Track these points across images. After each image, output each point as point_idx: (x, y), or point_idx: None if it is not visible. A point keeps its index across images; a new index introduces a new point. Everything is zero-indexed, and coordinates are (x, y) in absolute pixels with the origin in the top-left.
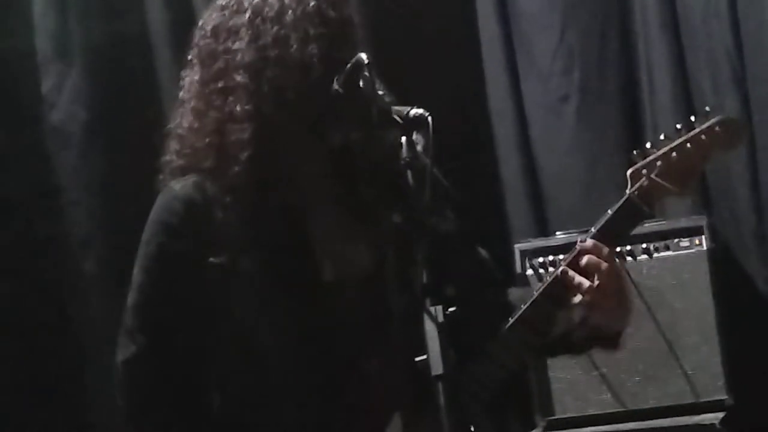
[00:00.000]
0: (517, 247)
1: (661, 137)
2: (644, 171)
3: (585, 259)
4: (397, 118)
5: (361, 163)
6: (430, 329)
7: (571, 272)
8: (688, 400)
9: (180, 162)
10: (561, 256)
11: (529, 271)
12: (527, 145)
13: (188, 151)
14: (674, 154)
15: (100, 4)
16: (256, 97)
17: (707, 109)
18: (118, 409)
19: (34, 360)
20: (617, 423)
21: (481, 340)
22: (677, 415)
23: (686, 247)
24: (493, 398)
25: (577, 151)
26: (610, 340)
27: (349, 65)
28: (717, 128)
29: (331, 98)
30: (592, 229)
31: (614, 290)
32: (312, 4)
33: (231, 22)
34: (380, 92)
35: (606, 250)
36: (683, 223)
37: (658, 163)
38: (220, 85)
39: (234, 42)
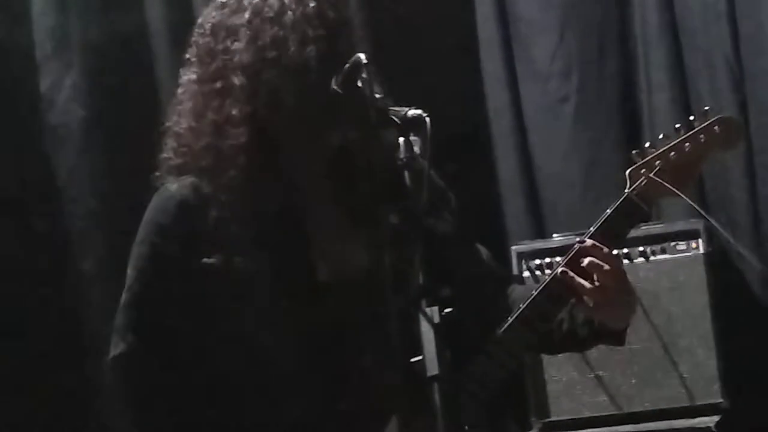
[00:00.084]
0: (514, 249)
1: (660, 137)
2: (643, 170)
3: (585, 260)
4: (395, 119)
5: (359, 163)
6: (426, 330)
7: (570, 272)
8: (684, 403)
9: (177, 161)
10: (558, 258)
11: (526, 273)
12: (525, 147)
13: (185, 150)
14: (673, 153)
15: (99, 2)
16: (253, 99)
17: (706, 108)
18: (118, 408)
19: (33, 359)
20: (613, 425)
21: (482, 339)
22: (673, 418)
23: (683, 251)
24: (491, 398)
25: (575, 152)
26: (615, 337)
27: (347, 65)
28: (715, 128)
29: (329, 98)
30: (591, 229)
31: (616, 289)
32: (312, 5)
33: (230, 21)
34: (378, 93)
35: (605, 250)
36: (680, 226)
37: (657, 162)
38: (217, 85)
39: (232, 42)
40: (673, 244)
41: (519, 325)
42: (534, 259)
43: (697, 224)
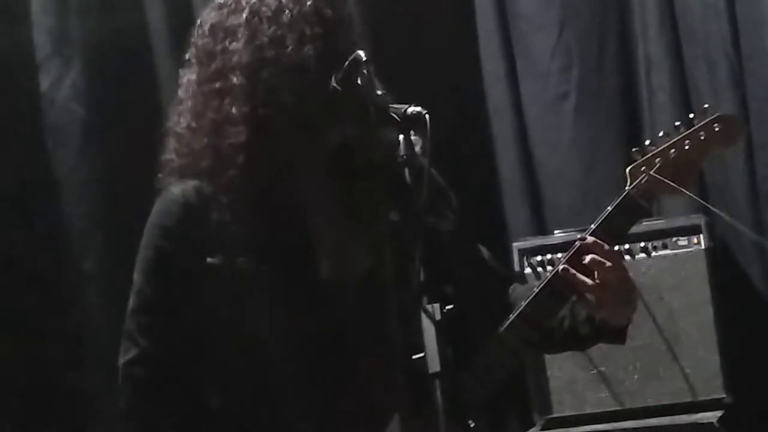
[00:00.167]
0: (516, 245)
1: (660, 134)
2: (644, 168)
3: (587, 258)
4: (395, 116)
5: (359, 160)
6: (427, 327)
7: (572, 270)
8: (686, 398)
9: (179, 162)
10: (559, 255)
11: (528, 270)
12: (526, 143)
13: (186, 150)
14: (673, 150)
15: (99, 3)
16: (252, 99)
17: (706, 106)
18: (118, 409)
19: (32, 359)
20: (615, 421)
21: (483, 337)
22: (675, 414)
23: (684, 246)
24: (493, 396)
25: (575, 149)
26: (617, 334)
27: (347, 63)
28: (715, 125)
29: (329, 96)
30: (592, 226)
31: (618, 286)
32: (309, 3)
33: (229, 22)
34: (378, 90)
35: (606, 247)
36: (681, 221)
37: (658, 159)
38: (217, 85)
39: (231, 42)
40: (674, 239)
41: (520, 323)
42: (535, 255)
43: (699, 219)
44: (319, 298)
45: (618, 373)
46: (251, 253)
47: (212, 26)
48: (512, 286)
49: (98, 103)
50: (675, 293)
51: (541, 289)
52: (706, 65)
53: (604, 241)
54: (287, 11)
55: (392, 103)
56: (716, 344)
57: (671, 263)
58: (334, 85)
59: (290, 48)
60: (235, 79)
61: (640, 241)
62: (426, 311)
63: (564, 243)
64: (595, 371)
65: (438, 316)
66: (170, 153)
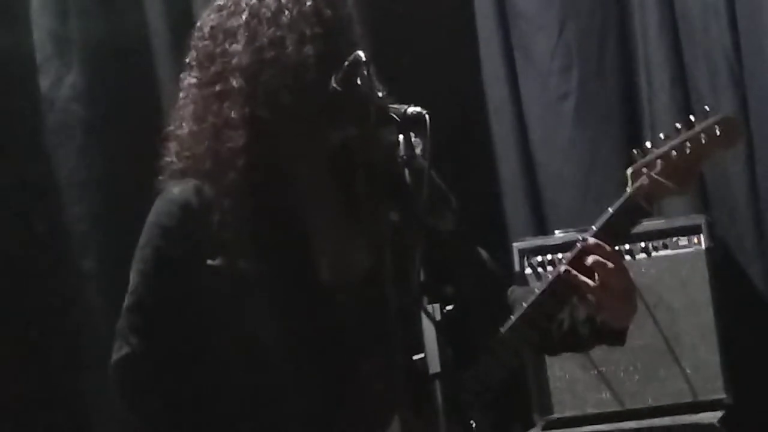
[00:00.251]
0: (516, 245)
1: (661, 136)
2: (645, 169)
3: (589, 259)
4: (395, 117)
5: (359, 161)
6: (428, 328)
7: (573, 271)
8: (687, 399)
9: (180, 165)
10: (560, 255)
11: (528, 270)
12: (526, 144)
13: (187, 154)
14: (674, 152)
15: (98, 3)
16: (252, 101)
17: (706, 108)
18: (117, 409)
19: (32, 359)
20: (616, 422)
21: (483, 338)
22: (676, 414)
23: (685, 246)
24: (494, 397)
25: (575, 149)
26: (617, 335)
27: (347, 63)
28: (716, 127)
29: (329, 96)
30: (594, 227)
31: (619, 288)
32: (309, 4)
33: (228, 24)
34: (378, 90)
35: (608, 248)
36: (682, 222)
37: (659, 161)
38: (217, 88)
39: (231, 44)
40: (674, 239)
41: (522, 324)
42: (535, 255)
43: (699, 220)
44: (319, 298)
45: (618, 373)
46: (251, 254)
47: (212, 29)
48: (511, 288)
49: (98, 104)
50: (675, 293)
51: (543, 290)
52: (706, 65)
53: (605, 242)
54: (287, 12)
55: (392, 104)
56: (717, 345)
57: (671, 263)
58: (334, 85)
59: (290, 49)
60: (234, 82)
61: (641, 241)
62: (426, 311)
63: (564, 243)
64: (595, 372)
65: (438, 316)
66: (171, 156)
